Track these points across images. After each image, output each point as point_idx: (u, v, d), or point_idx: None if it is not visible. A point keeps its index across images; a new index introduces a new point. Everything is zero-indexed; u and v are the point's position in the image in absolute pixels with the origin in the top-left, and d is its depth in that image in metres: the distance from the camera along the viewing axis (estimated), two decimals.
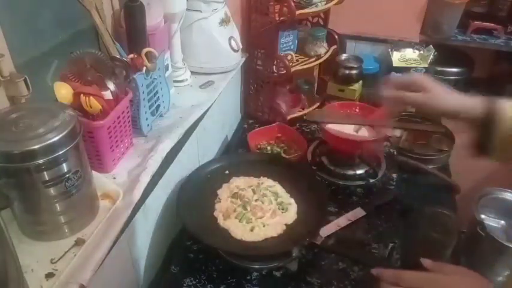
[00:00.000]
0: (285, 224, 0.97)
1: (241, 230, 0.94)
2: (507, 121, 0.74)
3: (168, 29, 1.06)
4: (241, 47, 1.28)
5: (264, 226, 0.95)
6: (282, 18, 1.30)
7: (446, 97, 0.81)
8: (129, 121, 0.88)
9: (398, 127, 1.50)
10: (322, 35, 1.48)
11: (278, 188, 1.06)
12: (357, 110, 1.31)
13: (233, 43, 1.24)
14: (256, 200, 1.00)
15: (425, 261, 0.69)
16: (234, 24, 1.27)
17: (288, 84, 1.55)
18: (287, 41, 1.44)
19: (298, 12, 1.27)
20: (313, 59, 1.48)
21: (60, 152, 0.63)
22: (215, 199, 1.03)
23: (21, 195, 0.65)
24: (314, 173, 1.19)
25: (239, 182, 1.07)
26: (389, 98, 0.85)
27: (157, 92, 0.98)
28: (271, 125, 1.40)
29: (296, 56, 1.47)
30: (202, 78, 1.22)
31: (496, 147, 0.75)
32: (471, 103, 0.78)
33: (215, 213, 0.99)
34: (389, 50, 1.58)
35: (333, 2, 1.41)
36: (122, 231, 0.76)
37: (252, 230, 0.94)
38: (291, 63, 1.39)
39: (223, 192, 1.04)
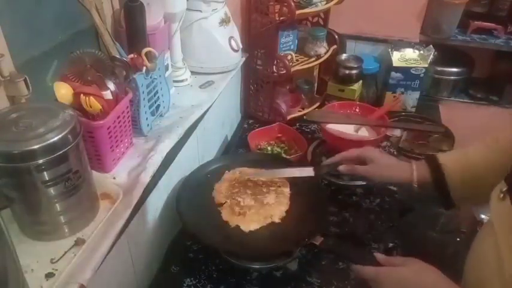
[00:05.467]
0: (285, 211, 0.97)
1: (240, 221, 0.94)
2: (453, 174, 0.83)
3: (168, 29, 1.06)
4: (241, 47, 1.28)
5: (263, 216, 0.95)
6: (282, 18, 1.30)
7: (389, 167, 0.91)
8: (129, 121, 0.88)
9: (398, 127, 1.50)
10: (322, 35, 1.48)
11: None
12: (357, 110, 1.30)
13: (233, 43, 1.24)
14: (253, 190, 1.01)
15: (378, 256, 0.73)
16: (234, 24, 1.27)
17: (288, 84, 1.55)
18: (287, 41, 1.44)
19: (298, 12, 1.27)
20: (313, 59, 1.48)
21: (60, 152, 0.63)
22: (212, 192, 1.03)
23: (21, 195, 0.65)
24: None
25: (237, 175, 1.07)
26: (345, 171, 0.97)
27: (157, 92, 0.98)
28: (271, 125, 1.40)
29: (296, 56, 1.47)
30: (202, 78, 1.22)
31: (456, 200, 0.84)
32: (408, 169, 0.88)
33: (214, 203, 0.99)
34: (389, 50, 1.58)
35: (333, 2, 1.41)
36: (122, 231, 0.76)
37: (251, 219, 0.94)
38: (291, 63, 1.39)
39: (221, 185, 1.04)
